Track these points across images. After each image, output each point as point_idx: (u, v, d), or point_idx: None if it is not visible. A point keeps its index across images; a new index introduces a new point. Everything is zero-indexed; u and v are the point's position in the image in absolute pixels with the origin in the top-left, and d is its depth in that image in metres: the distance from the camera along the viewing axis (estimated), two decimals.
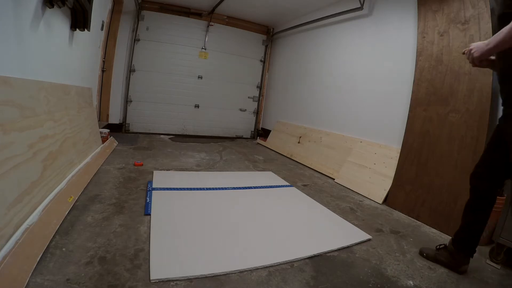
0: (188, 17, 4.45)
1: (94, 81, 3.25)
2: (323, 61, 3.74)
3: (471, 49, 1.27)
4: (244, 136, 5.23)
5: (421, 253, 1.56)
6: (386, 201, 2.33)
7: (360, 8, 3.03)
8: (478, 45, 1.25)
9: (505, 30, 1.10)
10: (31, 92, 1.47)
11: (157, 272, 1.09)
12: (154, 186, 2.05)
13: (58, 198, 1.48)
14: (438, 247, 1.51)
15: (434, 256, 1.50)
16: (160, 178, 2.26)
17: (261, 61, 5.13)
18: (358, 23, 3.18)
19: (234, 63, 4.90)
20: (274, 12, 4.28)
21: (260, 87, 5.21)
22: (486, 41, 1.21)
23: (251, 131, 5.30)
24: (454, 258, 1.41)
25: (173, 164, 2.79)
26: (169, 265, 1.15)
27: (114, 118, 4.20)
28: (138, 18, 4.12)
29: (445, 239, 1.77)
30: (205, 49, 4.64)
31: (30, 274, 0.96)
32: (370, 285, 1.20)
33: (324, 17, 3.60)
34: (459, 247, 1.40)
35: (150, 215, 1.58)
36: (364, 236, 1.64)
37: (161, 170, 2.52)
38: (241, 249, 1.36)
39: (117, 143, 3.32)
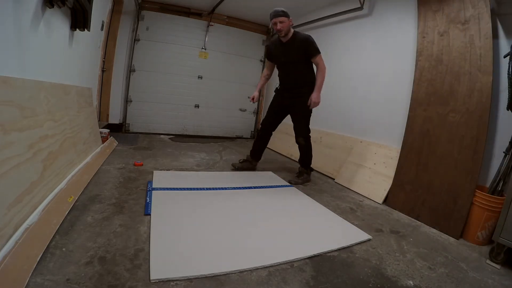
0: (188, 17, 4.45)
1: (94, 81, 3.25)
2: None
3: (315, 102, 2.41)
4: (244, 136, 5.23)
5: (233, 167, 2.84)
6: (386, 201, 2.33)
7: (360, 8, 3.03)
8: (316, 97, 2.39)
9: (320, 78, 2.40)
10: (31, 92, 1.47)
11: (157, 272, 1.09)
12: (154, 186, 2.05)
13: (58, 198, 1.48)
14: (241, 160, 2.89)
15: (241, 166, 2.83)
16: (160, 178, 2.26)
17: (261, 61, 5.12)
18: (358, 23, 3.18)
19: (234, 63, 4.90)
20: None
21: None
22: (317, 93, 2.40)
23: (251, 131, 5.30)
24: (252, 163, 2.86)
25: (173, 164, 2.79)
26: (169, 265, 1.15)
27: (114, 118, 4.19)
28: (138, 18, 4.11)
29: (445, 239, 1.77)
30: (205, 49, 4.64)
31: (30, 274, 0.96)
32: (370, 285, 1.20)
33: (324, 17, 3.60)
34: (254, 158, 2.86)
35: (150, 215, 1.58)
36: (364, 236, 1.64)
37: (161, 170, 2.52)
38: (241, 249, 1.36)
39: (117, 143, 3.32)
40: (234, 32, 4.80)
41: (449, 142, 1.99)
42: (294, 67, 2.48)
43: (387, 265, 1.37)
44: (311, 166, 2.73)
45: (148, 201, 1.77)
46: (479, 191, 1.78)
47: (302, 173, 2.69)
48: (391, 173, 2.38)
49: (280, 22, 2.33)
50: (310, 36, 2.42)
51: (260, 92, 2.71)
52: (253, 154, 2.85)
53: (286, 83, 2.60)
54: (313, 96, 2.39)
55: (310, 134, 2.60)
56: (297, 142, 2.64)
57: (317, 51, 2.38)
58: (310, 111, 2.55)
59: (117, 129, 4.20)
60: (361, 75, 3.07)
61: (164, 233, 1.40)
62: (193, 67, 4.61)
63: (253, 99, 2.64)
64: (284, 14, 2.34)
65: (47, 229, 1.23)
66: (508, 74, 1.68)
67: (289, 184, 2.54)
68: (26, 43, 1.48)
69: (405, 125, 2.34)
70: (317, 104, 2.40)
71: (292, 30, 2.42)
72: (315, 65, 2.43)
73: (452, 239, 1.78)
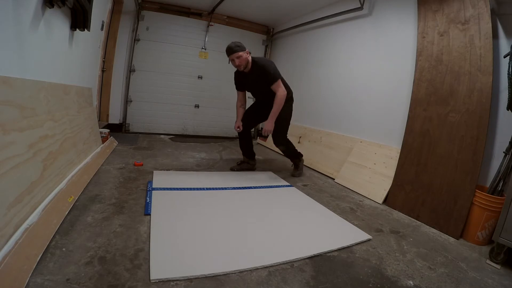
0: (188, 17, 4.45)
1: (94, 81, 3.25)
2: (323, 61, 3.74)
3: (268, 130, 2.48)
4: None
5: (231, 170, 2.79)
6: (386, 201, 2.33)
7: (360, 8, 3.03)
8: (269, 125, 2.45)
9: (275, 106, 2.40)
10: (31, 92, 1.47)
11: (157, 272, 1.09)
12: (154, 186, 2.05)
13: (58, 198, 1.48)
14: (238, 162, 2.86)
15: (240, 167, 2.81)
16: (160, 178, 2.26)
17: None
18: (358, 23, 3.17)
19: None
20: (274, 12, 4.28)
21: None
22: (270, 121, 2.45)
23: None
24: (249, 163, 2.85)
25: (173, 164, 2.79)
26: (169, 265, 1.15)
27: (114, 118, 4.20)
28: (138, 18, 4.11)
29: (445, 239, 1.77)
30: (205, 49, 4.64)
31: (30, 274, 0.96)
32: (370, 285, 1.20)
33: (324, 17, 3.60)
34: (250, 157, 2.84)
35: (150, 215, 1.58)
36: (364, 236, 1.64)
37: (161, 170, 2.52)
38: (241, 249, 1.36)
39: (117, 143, 3.32)
40: (234, 32, 4.79)
41: (449, 142, 1.99)
42: (263, 91, 2.52)
43: (387, 265, 1.37)
44: (299, 152, 2.93)
45: (148, 201, 1.77)
46: (479, 191, 1.78)
47: (297, 164, 2.89)
48: (391, 173, 2.38)
49: (237, 57, 2.31)
50: (267, 62, 2.42)
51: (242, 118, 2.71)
52: (246, 155, 2.86)
53: (260, 100, 2.73)
54: (266, 124, 2.47)
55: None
56: (278, 147, 2.78)
57: (274, 79, 2.36)
58: (287, 122, 2.69)
59: (117, 129, 4.20)
60: (361, 75, 3.07)
61: (164, 233, 1.40)
62: (193, 67, 4.61)
63: (238, 127, 2.66)
64: (240, 48, 2.31)
65: (47, 229, 1.23)
66: (508, 74, 1.68)
67: (289, 184, 2.54)
68: (26, 43, 1.48)
69: (405, 125, 2.34)
70: (269, 132, 2.49)
71: (250, 59, 2.40)
72: (274, 91, 2.40)
73: (452, 239, 1.78)
